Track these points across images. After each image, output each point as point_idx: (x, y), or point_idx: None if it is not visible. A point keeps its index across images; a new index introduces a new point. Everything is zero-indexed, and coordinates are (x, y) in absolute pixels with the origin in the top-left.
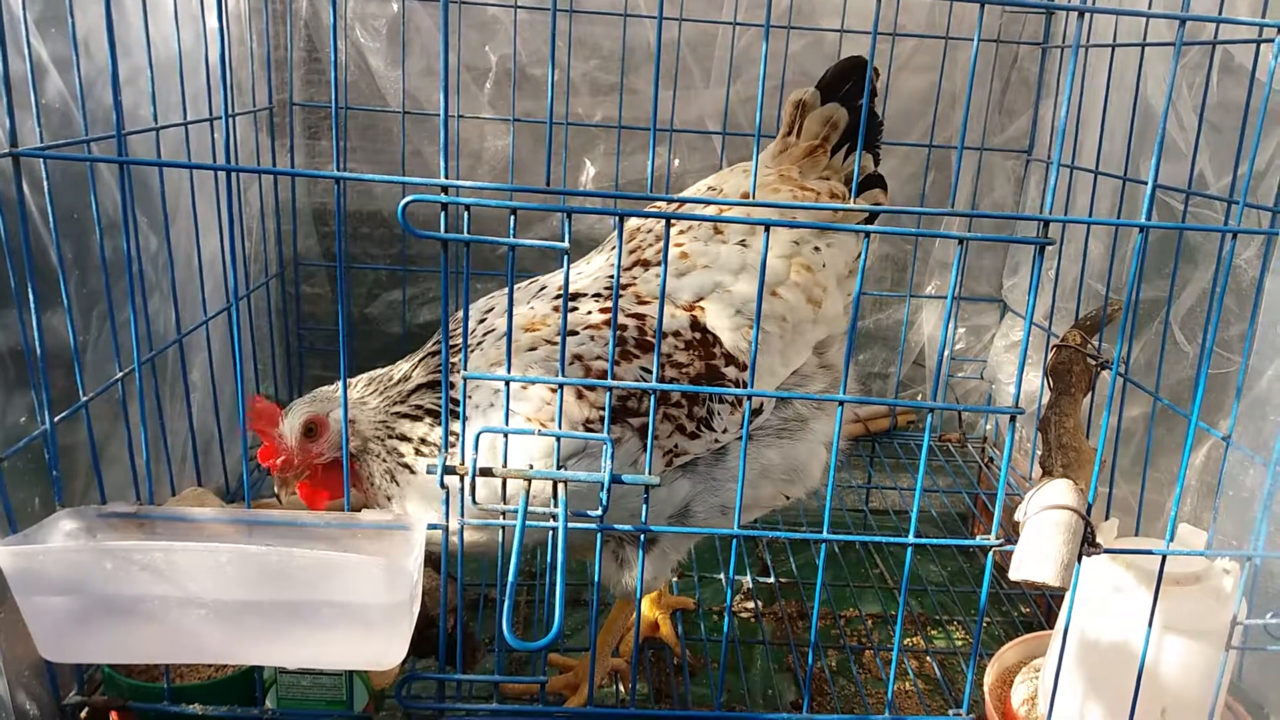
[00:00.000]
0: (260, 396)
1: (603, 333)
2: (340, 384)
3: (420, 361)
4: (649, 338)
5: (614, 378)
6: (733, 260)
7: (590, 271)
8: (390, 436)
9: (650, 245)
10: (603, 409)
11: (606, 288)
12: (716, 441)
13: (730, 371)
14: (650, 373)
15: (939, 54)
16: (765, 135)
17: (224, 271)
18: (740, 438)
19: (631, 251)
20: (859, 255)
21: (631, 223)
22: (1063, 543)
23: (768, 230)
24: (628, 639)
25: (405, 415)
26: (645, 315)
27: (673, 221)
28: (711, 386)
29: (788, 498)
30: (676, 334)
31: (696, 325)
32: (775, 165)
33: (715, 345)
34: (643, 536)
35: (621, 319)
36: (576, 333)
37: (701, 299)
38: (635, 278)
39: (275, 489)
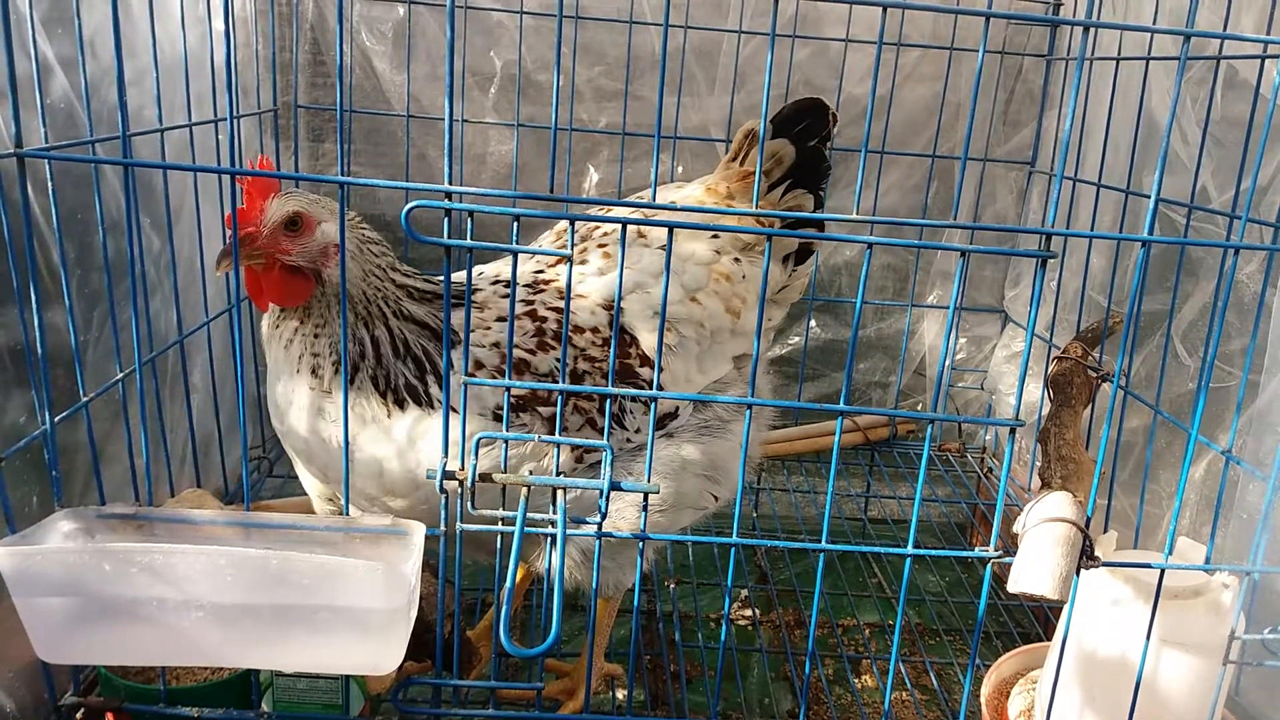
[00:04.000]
0: (267, 158)
1: (521, 323)
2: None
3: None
4: (569, 332)
5: (531, 367)
6: (654, 264)
7: (529, 265)
8: (397, 314)
9: (574, 245)
10: (518, 397)
11: (528, 284)
12: (629, 441)
13: (645, 372)
14: (567, 363)
15: (944, 64)
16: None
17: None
18: (660, 435)
19: (560, 244)
20: (783, 285)
21: (560, 224)
22: (1061, 556)
23: (671, 232)
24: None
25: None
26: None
27: (598, 224)
28: (630, 384)
29: (716, 498)
30: (595, 330)
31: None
32: (705, 183)
33: (632, 345)
34: (642, 545)
35: (542, 311)
36: (496, 322)
37: (622, 297)
38: (559, 274)
39: (218, 257)
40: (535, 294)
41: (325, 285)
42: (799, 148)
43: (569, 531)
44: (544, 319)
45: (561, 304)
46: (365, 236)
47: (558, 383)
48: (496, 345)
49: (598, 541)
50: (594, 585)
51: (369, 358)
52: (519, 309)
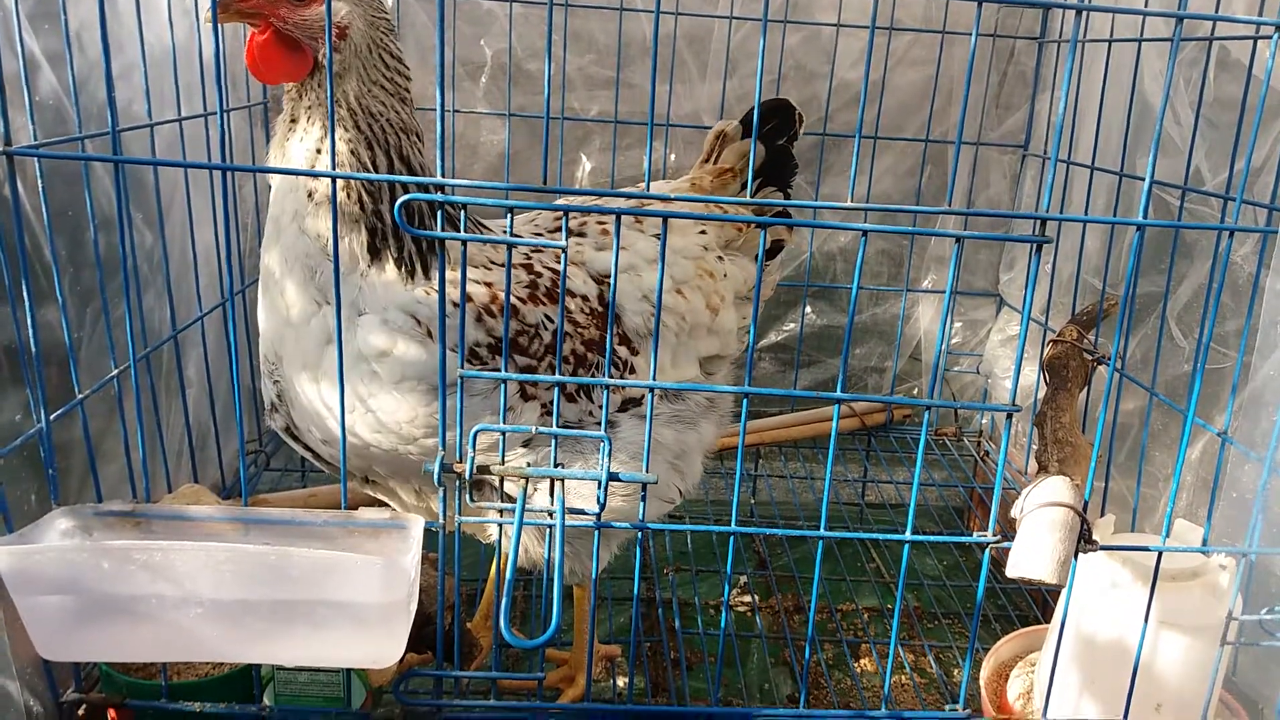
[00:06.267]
0: None
1: (517, 274)
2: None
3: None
4: (559, 291)
5: (519, 316)
6: (648, 250)
7: (526, 230)
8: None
9: (574, 218)
10: (498, 339)
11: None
12: (590, 414)
13: (621, 351)
14: (553, 320)
15: (935, 48)
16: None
17: (219, 267)
18: (630, 415)
19: (558, 216)
20: (753, 284)
21: (557, 203)
22: (1059, 540)
23: (665, 224)
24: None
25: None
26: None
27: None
28: (610, 359)
29: (680, 492)
30: (584, 297)
31: (604, 299)
32: (689, 179)
33: (615, 323)
34: (641, 534)
35: (539, 268)
36: (489, 268)
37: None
38: (559, 238)
39: (210, 6)
40: (535, 251)
41: (319, 72)
42: (768, 146)
43: (569, 522)
44: (539, 274)
45: (558, 267)
46: (382, 41)
47: (541, 335)
48: (490, 285)
49: (596, 534)
50: (594, 573)
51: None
52: (518, 258)
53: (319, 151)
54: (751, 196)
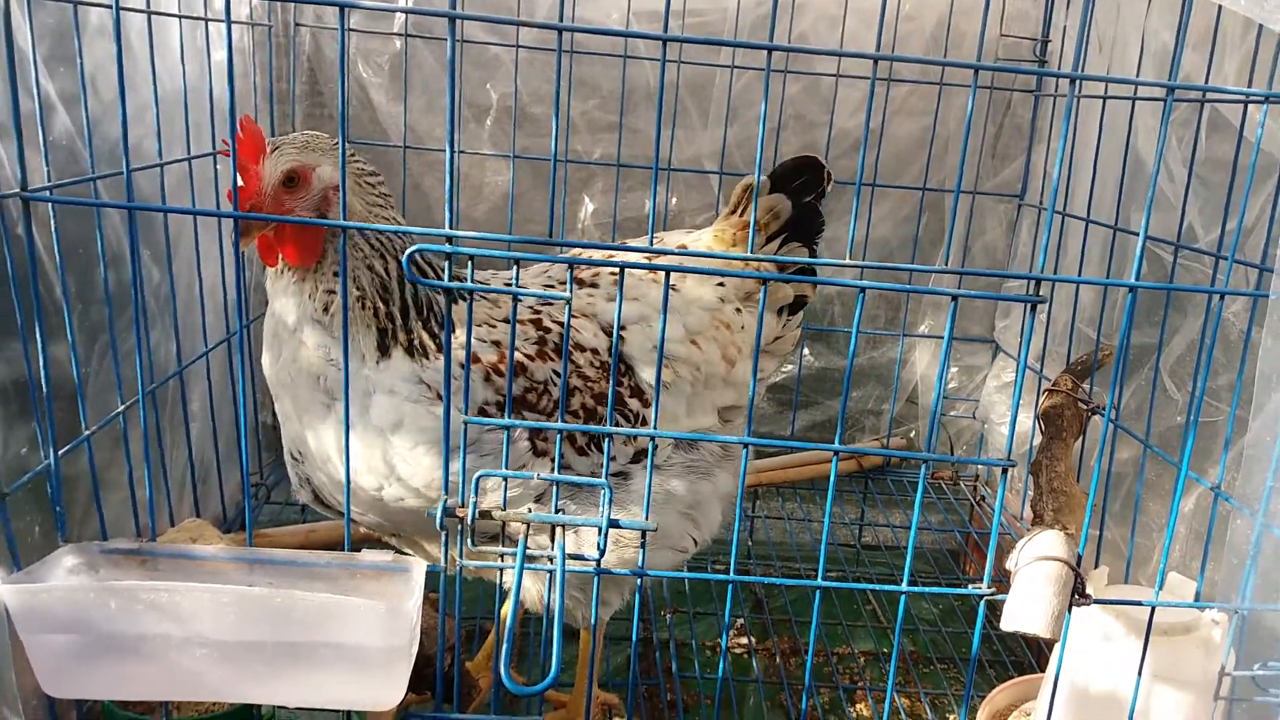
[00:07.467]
0: (248, 119)
1: (525, 329)
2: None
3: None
4: (569, 346)
5: (527, 372)
6: (661, 300)
7: (538, 282)
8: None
9: (586, 269)
10: (503, 396)
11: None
12: (602, 468)
13: (633, 404)
14: (560, 375)
15: (933, 98)
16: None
17: (224, 302)
18: (642, 467)
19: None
20: (776, 336)
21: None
22: (1053, 594)
23: (667, 277)
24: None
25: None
26: (572, 327)
27: (612, 254)
28: (618, 412)
29: (695, 541)
30: (595, 351)
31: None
32: (713, 231)
33: (626, 375)
34: (640, 582)
35: (548, 323)
36: (503, 323)
37: (625, 326)
38: (574, 292)
39: (236, 236)
40: (545, 304)
41: (334, 237)
42: (795, 203)
43: (569, 568)
44: (547, 329)
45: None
46: (362, 169)
47: (550, 392)
48: (497, 344)
49: (596, 579)
50: (593, 621)
51: (392, 290)
52: (526, 314)
53: (331, 293)
54: (776, 252)
